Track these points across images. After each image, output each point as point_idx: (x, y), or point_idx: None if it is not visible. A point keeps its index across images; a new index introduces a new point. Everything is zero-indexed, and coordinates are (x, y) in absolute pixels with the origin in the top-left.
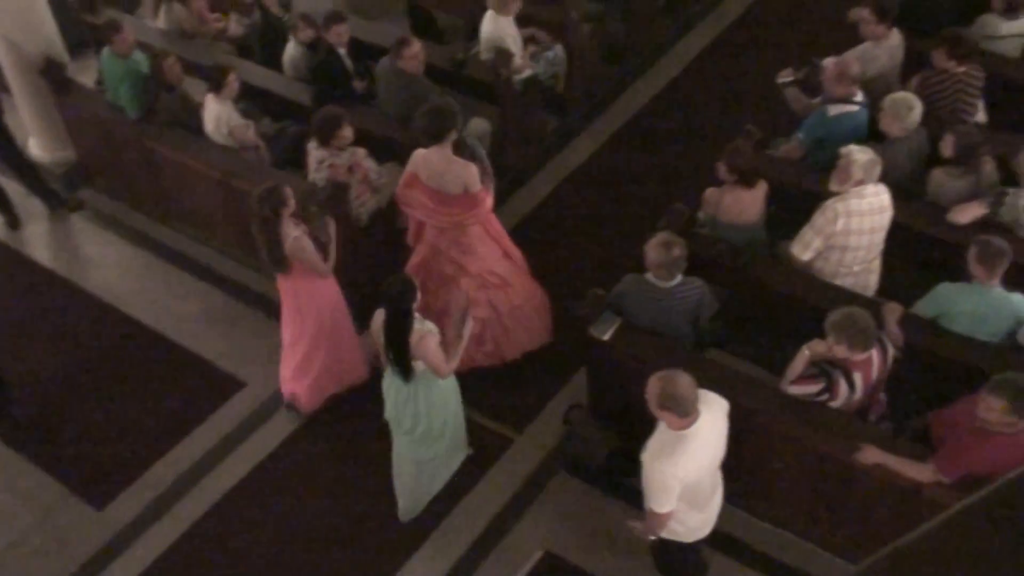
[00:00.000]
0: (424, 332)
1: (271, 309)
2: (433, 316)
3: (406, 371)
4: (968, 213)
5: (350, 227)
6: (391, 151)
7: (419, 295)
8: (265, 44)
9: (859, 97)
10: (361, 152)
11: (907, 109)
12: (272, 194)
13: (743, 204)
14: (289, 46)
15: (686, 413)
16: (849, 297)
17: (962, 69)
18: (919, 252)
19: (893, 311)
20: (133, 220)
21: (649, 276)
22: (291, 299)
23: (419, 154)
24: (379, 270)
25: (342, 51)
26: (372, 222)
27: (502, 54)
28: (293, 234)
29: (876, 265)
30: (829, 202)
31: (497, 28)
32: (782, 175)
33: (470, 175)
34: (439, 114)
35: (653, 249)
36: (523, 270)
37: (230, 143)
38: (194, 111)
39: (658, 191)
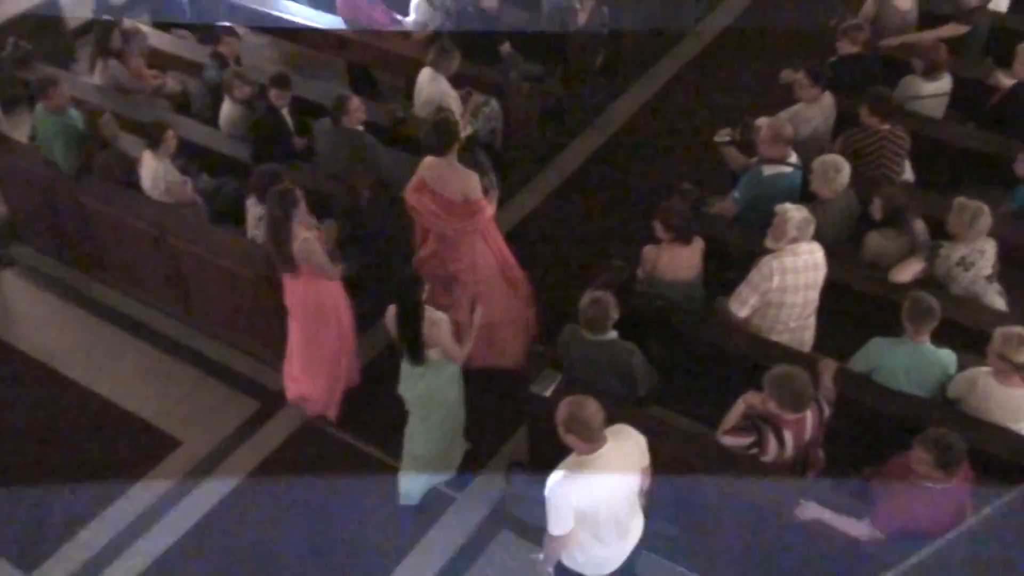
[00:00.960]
0: (436, 320)
1: (208, 367)
2: (442, 310)
3: (418, 356)
4: (909, 271)
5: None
6: (330, 208)
7: (426, 287)
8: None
9: (793, 159)
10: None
11: (835, 171)
12: (285, 195)
13: (680, 261)
14: (225, 104)
15: (590, 439)
16: (786, 353)
17: (886, 127)
18: (854, 308)
19: (828, 367)
20: (66, 276)
21: (583, 329)
22: (298, 299)
23: (427, 160)
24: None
25: (283, 109)
26: None
27: (440, 111)
28: (303, 235)
29: (811, 322)
30: (765, 259)
31: (436, 86)
32: (718, 232)
33: (470, 183)
34: (443, 128)
35: (584, 304)
36: (517, 289)
37: (168, 199)
38: (131, 167)
39: (596, 247)
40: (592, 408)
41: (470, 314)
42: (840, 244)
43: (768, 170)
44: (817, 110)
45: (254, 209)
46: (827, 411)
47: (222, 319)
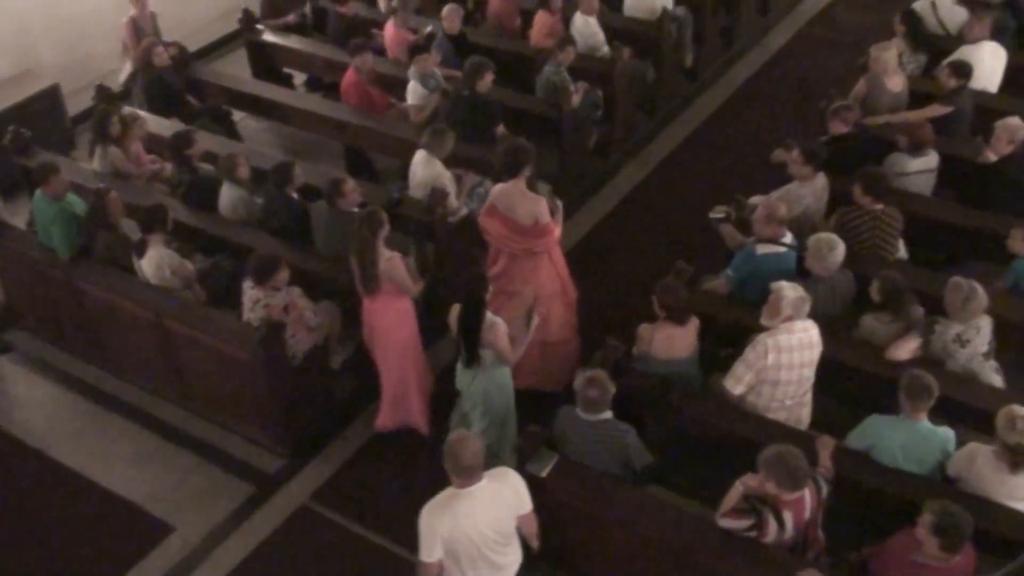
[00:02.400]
0: (495, 322)
1: (203, 450)
2: None
3: (473, 356)
4: (906, 349)
5: (283, 367)
6: (327, 290)
7: (491, 289)
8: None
9: (788, 238)
10: (296, 291)
11: (828, 249)
12: (372, 216)
13: (675, 340)
14: (225, 189)
15: (459, 475)
16: (782, 431)
17: (879, 207)
18: (850, 387)
19: (826, 445)
20: (62, 361)
21: (578, 409)
22: (378, 319)
23: (498, 187)
24: (315, 409)
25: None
26: (307, 360)
27: (437, 193)
28: (388, 255)
29: (808, 399)
30: (760, 337)
31: (431, 169)
32: (712, 310)
33: (540, 208)
34: (515, 152)
35: (578, 384)
36: (571, 310)
37: (174, 283)
38: (130, 251)
39: (592, 328)
40: (470, 449)
41: (525, 328)
42: (835, 322)
43: (761, 249)
44: (809, 189)
45: (250, 292)
46: (825, 490)
47: (217, 402)
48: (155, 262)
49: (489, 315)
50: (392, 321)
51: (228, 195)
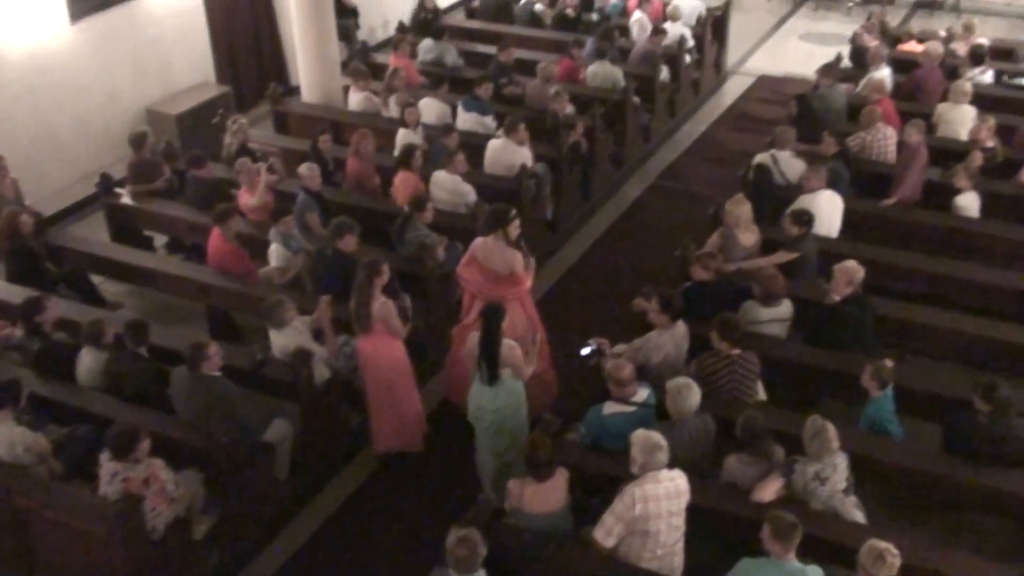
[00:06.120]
0: (511, 344)
1: None
2: None
3: (494, 375)
4: (770, 490)
5: (142, 542)
6: (189, 458)
7: (506, 319)
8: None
9: (641, 395)
10: (158, 463)
11: (682, 394)
12: (371, 265)
13: (544, 494)
14: (84, 355)
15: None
16: None
17: (736, 352)
18: (720, 532)
19: None
20: None
21: (449, 570)
22: (367, 356)
23: (479, 240)
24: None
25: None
26: (168, 533)
27: (301, 355)
28: (381, 299)
29: (679, 547)
30: (627, 487)
31: (288, 336)
32: (578, 461)
33: (516, 260)
34: (496, 214)
35: (449, 543)
36: (543, 346)
37: (27, 459)
38: None
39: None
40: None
41: (532, 340)
42: (697, 466)
43: (609, 409)
44: (668, 337)
45: (108, 465)
46: None
47: None
48: (6, 440)
49: (506, 339)
50: (384, 357)
51: (90, 361)
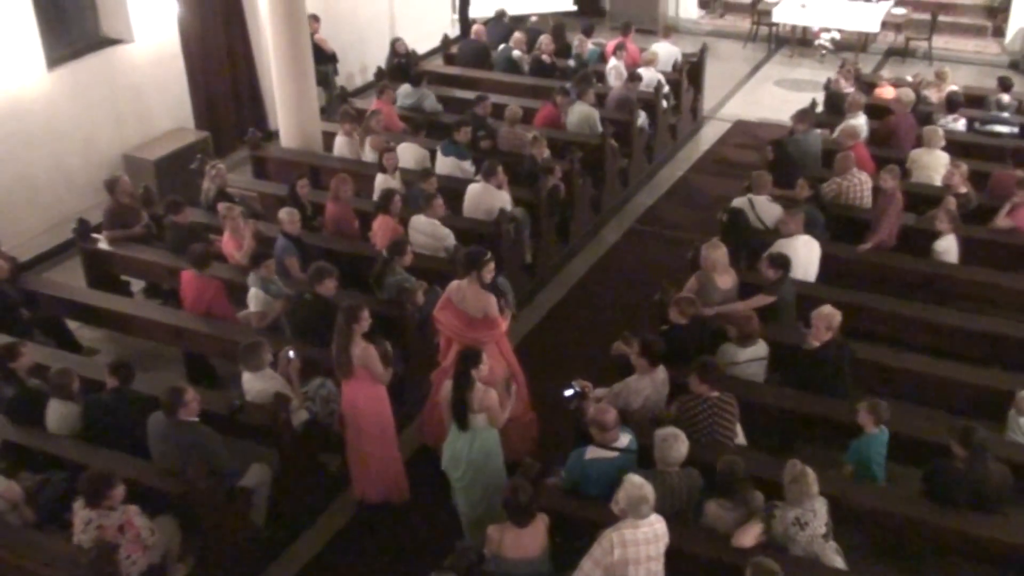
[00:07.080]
0: (485, 389)
1: None
2: None
3: (464, 419)
4: (750, 535)
5: None
6: (165, 504)
7: (484, 362)
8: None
9: (623, 441)
10: (133, 509)
11: (668, 445)
12: (351, 310)
13: (523, 540)
14: (55, 405)
15: None
16: None
17: (715, 394)
18: None
19: None
20: None
21: None
22: (349, 402)
23: (454, 283)
24: None
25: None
26: None
27: (279, 399)
28: (362, 344)
29: None
30: (605, 532)
31: (262, 382)
32: (558, 505)
33: (490, 304)
34: (471, 255)
35: None
36: (522, 390)
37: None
38: None
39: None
40: None
41: (507, 385)
42: (681, 514)
43: (590, 454)
44: (648, 381)
45: (82, 512)
46: None
47: None
48: None
49: (479, 385)
50: (365, 402)
51: (57, 411)
